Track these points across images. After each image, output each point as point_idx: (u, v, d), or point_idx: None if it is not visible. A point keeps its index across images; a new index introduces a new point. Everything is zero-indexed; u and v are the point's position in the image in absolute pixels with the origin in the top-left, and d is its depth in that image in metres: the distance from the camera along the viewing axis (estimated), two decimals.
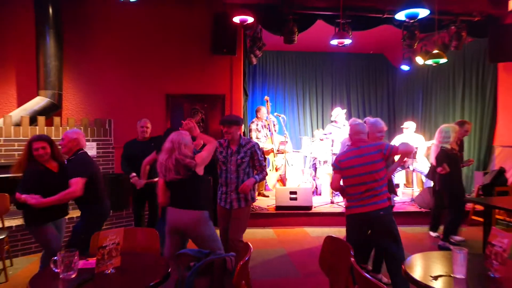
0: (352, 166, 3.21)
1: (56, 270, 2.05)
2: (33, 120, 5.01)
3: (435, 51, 5.99)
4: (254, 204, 6.38)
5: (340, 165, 3.27)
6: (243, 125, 6.27)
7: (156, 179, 4.52)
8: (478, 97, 7.00)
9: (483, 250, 4.33)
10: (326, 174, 6.90)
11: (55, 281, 2.00)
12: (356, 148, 3.27)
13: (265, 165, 3.87)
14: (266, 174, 3.85)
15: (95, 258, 2.09)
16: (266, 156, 7.43)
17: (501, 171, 5.89)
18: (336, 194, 6.51)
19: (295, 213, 5.92)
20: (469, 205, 5.86)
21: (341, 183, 3.33)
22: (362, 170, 3.17)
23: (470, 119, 7.06)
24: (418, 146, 6.72)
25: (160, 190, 3.02)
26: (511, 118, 6.03)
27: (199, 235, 2.88)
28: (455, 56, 7.41)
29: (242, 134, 3.83)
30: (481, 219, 4.86)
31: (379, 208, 3.15)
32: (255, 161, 3.62)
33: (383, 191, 3.18)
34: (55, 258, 2.06)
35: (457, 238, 5.01)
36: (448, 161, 4.62)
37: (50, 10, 5.25)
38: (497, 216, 5.93)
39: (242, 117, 6.20)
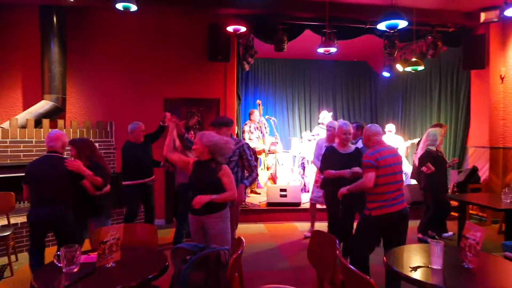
0: (389, 165, 2.99)
1: (59, 265, 2.02)
2: (38, 123, 4.94)
3: (414, 59, 6.04)
4: (246, 201, 6.37)
5: (378, 163, 2.96)
6: (234, 126, 6.26)
7: (150, 179, 4.47)
8: (453, 101, 7.08)
9: (457, 243, 4.39)
10: (313, 172, 6.90)
11: (58, 275, 1.97)
12: (386, 148, 3.09)
13: (256, 165, 3.73)
14: (257, 175, 3.70)
15: (96, 252, 2.06)
16: (258, 156, 7.43)
17: (474, 170, 5.96)
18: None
19: (285, 209, 5.92)
20: None
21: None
22: (397, 169, 3.02)
23: (446, 122, 7.14)
24: (398, 146, 6.77)
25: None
26: (483, 121, 6.10)
27: (219, 231, 2.73)
28: (432, 64, 7.49)
29: (234, 135, 3.80)
30: (456, 214, 4.90)
31: (406, 206, 3.07)
32: (244, 160, 3.55)
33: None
34: (59, 253, 2.03)
35: (447, 234, 4.91)
36: (432, 161, 4.59)
37: (55, 19, 5.20)
38: (471, 211, 6.01)
39: (235, 119, 6.18)
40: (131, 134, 4.39)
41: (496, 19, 5.57)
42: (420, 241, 4.72)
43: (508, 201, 3.79)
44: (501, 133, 5.97)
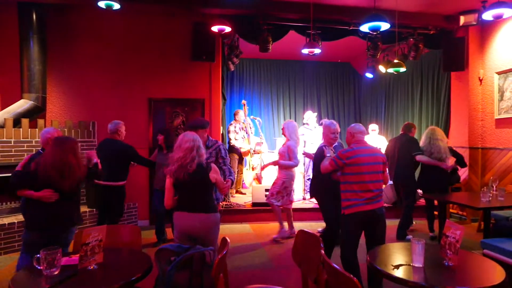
0: (365, 163, 2.99)
1: (39, 267, 1.97)
2: (16, 123, 4.81)
3: (396, 61, 6.15)
4: (231, 201, 6.35)
5: (348, 162, 3.00)
6: (219, 126, 6.23)
7: (120, 183, 4.31)
8: (433, 102, 7.24)
9: (438, 241, 4.49)
10: (299, 173, 6.94)
11: (38, 278, 1.92)
12: (366, 146, 3.11)
13: (231, 166, 3.65)
14: (233, 179, 3.53)
15: (78, 255, 2.02)
16: (243, 157, 7.42)
17: (454, 170, 6.08)
18: (308, 191, 6.55)
19: (270, 209, 5.91)
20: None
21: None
22: (371, 169, 3.01)
23: (427, 122, 7.31)
24: (381, 146, 6.88)
25: (167, 191, 2.74)
26: (462, 121, 6.26)
27: (211, 238, 2.70)
28: (414, 65, 7.64)
29: (210, 137, 3.75)
30: (436, 212, 5.01)
31: (382, 206, 3.08)
32: (218, 158, 3.53)
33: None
34: (38, 255, 1.98)
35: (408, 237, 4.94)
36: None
37: (34, 16, 5.07)
38: (451, 210, 6.15)
39: (220, 119, 6.15)
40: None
41: (474, 23, 5.72)
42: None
43: (487, 200, 3.89)
44: (480, 134, 6.14)
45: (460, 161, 5.02)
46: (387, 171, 3.37)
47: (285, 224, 5.12)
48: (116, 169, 4.23)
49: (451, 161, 5.03)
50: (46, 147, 3.08)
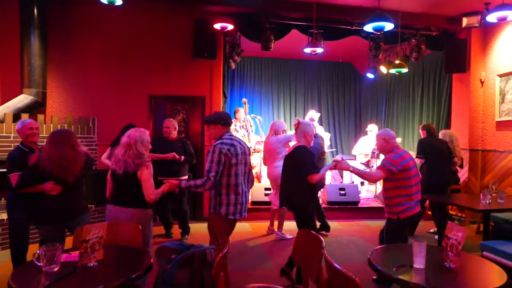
0: (413, 167, 3.14)
1: (38, 264, 1.96)
2: (16, 118, 4.78)
3: (398, 62, 6.15)
4: None
5: (403, 167, 3.08)
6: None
7: None
8: (434, 103, 7.24)
9: (438, 243, 4.49)
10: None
11: (37, 275, 1.91)
12: (405, 151, 3.25)
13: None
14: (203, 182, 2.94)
15: (78, 251, 2.01)
16: None
17: (454, 171, 6.08)
18: None
19: (269, 208, 5.91)
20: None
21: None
22: (416, 171, 3.19)
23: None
24: None
25: (108, 183, 2.92)
26: (463, 123, 6.26)
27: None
28: (415, 66, 7.63)
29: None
30: (429, 212, 5.01)
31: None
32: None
33: None
34: (38, 251, 1.97)
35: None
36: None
37: (35, 12, 5.04)
38: (450, 212, 6.15)
39: None
40: None
41: (477, 25, 5.72)
42: None
43: (487, 202, 3.89)
44: (480, 136, 6.14)
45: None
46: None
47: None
48: None
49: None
50: (21, 136, 3.24)
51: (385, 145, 3.26)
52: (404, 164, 3.08)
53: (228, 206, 2.95)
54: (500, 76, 5.80)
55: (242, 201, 3.04)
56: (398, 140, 7.30)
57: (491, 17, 4.46)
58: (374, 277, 3.52)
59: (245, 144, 3.19)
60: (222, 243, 2.87)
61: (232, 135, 3.10)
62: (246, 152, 3.12)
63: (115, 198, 2.83)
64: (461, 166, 5.48)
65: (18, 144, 3.32)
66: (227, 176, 2.94)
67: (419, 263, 2.06)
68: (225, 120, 3.05)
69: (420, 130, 5.26)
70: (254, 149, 7.28)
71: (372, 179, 3.39)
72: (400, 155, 3.13)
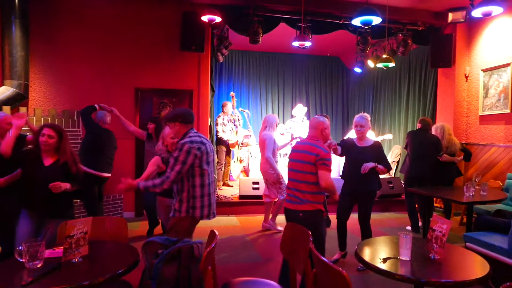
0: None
1: (21, 260, 1.91)
2: None
3: (385, 56, 6.18)
4: (219, 193, 6.32)
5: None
6: (207, 118, 6.15)
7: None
8: (420, 97, 7.33)
9: (423, 235, 4.57)
10: (285, 166, 6.95)
11: (20, 271, 1.86)
12: None
13: (173, 172, 2.70)
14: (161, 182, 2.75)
15: (62, 247, 1.97)
16: (231, 149, 7.39)
17: (448, 164, 6.16)
18: None
19: (257, 201, 5.93)
20: None
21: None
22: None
23: (413, 117, 7.43)
24: None
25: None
26: (448, 117, 6.35)
27: None
28: (402, 61, 7.70)
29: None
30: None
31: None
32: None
33: None
34: (20, 247, 1.92)
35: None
36: None
37: (17, 1, 4.87)
38: (435, 204, 6.26)
39: (208, 111, 6.06)
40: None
41: (462, 20, 5.79)
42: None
43: (470, 194, 3.97)
44: (464, 130, 6.25)
45: (466, 156, 5.33)
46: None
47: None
48: None
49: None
50: None
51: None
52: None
53: (203, 209, 2.78)
54: (484, 71, 5.90)
55: (214, 200, 2.93)
56: (389, 136, 7.44)
57: (476, 12, 4.51)
58: (360, 267, 3.62)
59: (210, 142, 3.07)
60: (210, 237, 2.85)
61: (198, 132, 2.88)
62: (213, 150, 3.06)
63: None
64: (466, 159, 5.34)
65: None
66: (201, 176, 2.75)
67: (405, 255, 2.09)
68: (183, 117, 2.78)
69: (417, 122, 5.34)
70: (242, 143, 7.26)
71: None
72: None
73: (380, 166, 3.71)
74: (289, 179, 3.01)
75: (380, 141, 7.38)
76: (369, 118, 3.90)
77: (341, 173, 4.10)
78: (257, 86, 9.67)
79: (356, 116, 3.89)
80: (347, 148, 3.87)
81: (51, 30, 5.41)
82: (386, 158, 3.86)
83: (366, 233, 3.86)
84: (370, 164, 3.65)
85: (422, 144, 4.95)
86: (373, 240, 2.60)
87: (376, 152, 3.78)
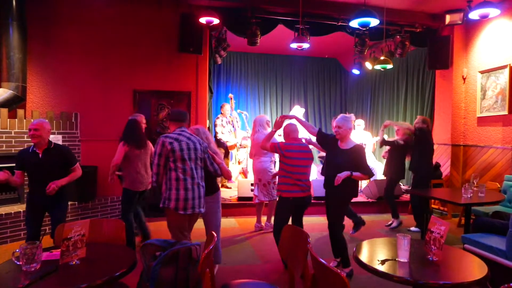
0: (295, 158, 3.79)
1: (18, 263, 1.90)
2: None
3: (382, 58, 6.20)
4: None
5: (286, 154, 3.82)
6: (205, 120, 6.16)
7: None
8: (418, 99, 7.34)
9: (421, 236, 4.57)
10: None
11: (17, 274, 1.85)
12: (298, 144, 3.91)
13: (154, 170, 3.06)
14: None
15: (60, 249, 1.96)
16: (229, 150, 7.39)
17: (437, 166, 6.20)
18: None
19: (255, 203, 5.91)
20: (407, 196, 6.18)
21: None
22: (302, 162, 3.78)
23: (411, 118, 7.42)
24: (366, 142, 6.94)
25: None
26: (445, 119, 6.37)
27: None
28: (400, 62, 7.72)
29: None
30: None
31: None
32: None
33: None
34: (17, 250, 1.91)
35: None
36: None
37: (14, 2, 4.87)
38: (433, 206, 6.27)
39: (206, 113, 6.07)
40: None
41: (460, 22, 5.81)
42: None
43: (468, 196, 3.97)
44: (462, 131, 6.27)
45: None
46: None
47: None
48: None
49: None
50: None
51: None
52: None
53: (178, 202, 2.94)
54: (482, 72, 5.92)
55: (194, 196, 3.00)
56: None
57: (474, 14, 4.54)
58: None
59: (198, 140, 3.13)
60: (175, 238, 2.95)
61: (184, 131, 3.09)
62: (197, 148, 3.06)
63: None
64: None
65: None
66: (174, 170, 2.97)
67: (403, 256, 2.09)
68: (175, 117, 3.19)
69: (421, 122, 5.38)
70: (240, 145, 7.26)
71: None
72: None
73: (356, 174, 3.33)
74: (298, 174, 3.66)
75: (377, 141, 7.42)
76: (353, 119, 3.66)
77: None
78: (255, 87, 9.69)
79: (337, 117, 3.67)
80: (328, 146, 3.72)
81: (48, 32, 5.40)
82: (365, 163, 3.43)
83: (334, 242, 3.57)
84: (343, 174, 3.30)
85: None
86: (371, 241, 2.60)
87: (356, 156, 3.41)
